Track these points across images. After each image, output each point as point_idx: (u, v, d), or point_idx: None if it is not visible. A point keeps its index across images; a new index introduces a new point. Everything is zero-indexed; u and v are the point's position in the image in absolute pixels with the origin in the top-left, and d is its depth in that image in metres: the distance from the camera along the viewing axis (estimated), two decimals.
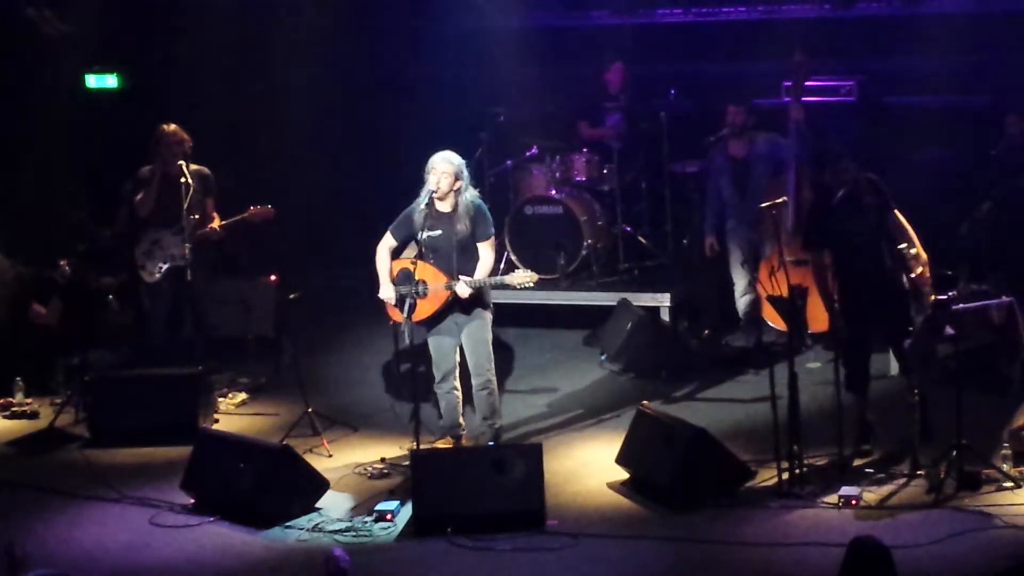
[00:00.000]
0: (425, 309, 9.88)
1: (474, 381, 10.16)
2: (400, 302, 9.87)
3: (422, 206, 9.84)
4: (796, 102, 11.77)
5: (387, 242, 10.10)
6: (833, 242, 9.74)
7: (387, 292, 10.02)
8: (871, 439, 9.82)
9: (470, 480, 9.01)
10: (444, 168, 9.86)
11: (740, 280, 12.18)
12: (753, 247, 11.99)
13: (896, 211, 9.69)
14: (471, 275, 9.87)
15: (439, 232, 9.91)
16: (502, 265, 12.57)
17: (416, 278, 9.79)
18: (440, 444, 10.18)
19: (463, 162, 10.00)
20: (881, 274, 9.63)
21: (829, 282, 9.74)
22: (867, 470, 9.53)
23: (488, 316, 10.10)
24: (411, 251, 10.10)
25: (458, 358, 10.19)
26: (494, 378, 10.22)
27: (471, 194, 10.01)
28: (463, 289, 9.80)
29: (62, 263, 11.73)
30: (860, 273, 9.66)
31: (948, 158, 13.72)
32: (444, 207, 9.93)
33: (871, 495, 9.09)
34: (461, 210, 9.91)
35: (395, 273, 10.04)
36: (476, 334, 10.05)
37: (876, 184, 9.69)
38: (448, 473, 9.10)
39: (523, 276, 9.94)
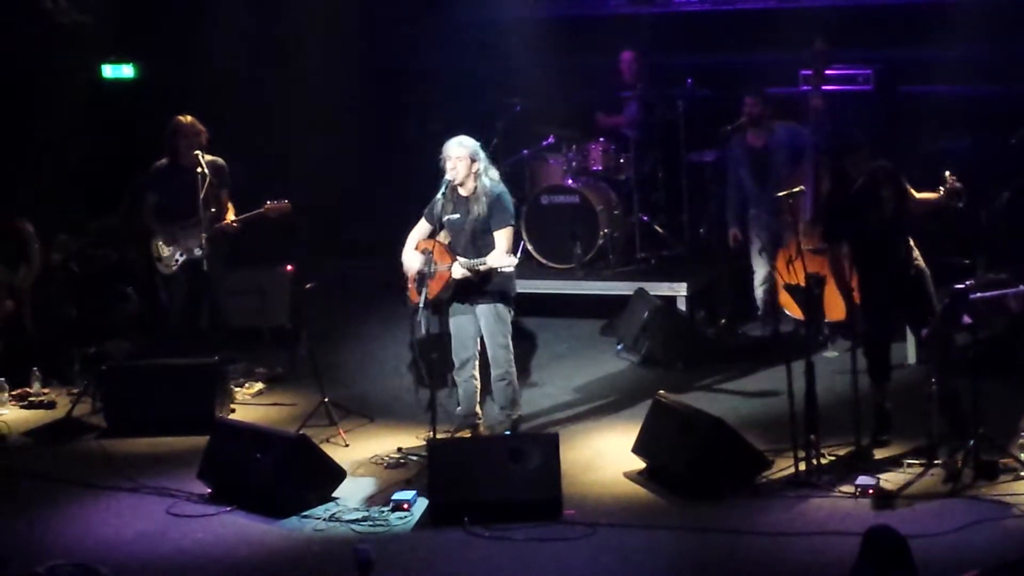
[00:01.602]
0: (432, 289, 9.87)
1: (493, 372, 10.15)
2: (419, 282, 9.88)
3: (441, 193, 9.87)
4: (816, 91, 11.75)
5: (420, 226, 10.12)
6: (851, 233, 9.71)
7: (408, 259, 10.03)
8: (888, 428, 9.79)
9: (487, 469, 9.01)
10: (458, 153, 9.87)
11: (760, 268, 12.16)
12: (774, 236, 11.96)
13: (911, 192, 9.64)
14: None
15: (458, 216, 9.94)
16: (519, 254, 12.57)
17: (432, 260, 9.82)
18: (459, 435, 10.16)
19: (476, 144, 9.99)
20: (897, 266, 9.58)
21: (847, 273, 9.72)
22: (884, 459, 9.51)
23: (509, 307, 10.09)
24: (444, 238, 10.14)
25: (478, 347, 10.17)
26: (513, 369, 10.20)
27: (492, 179, 10.00)
28: (456, 269, 9.79)
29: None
30: (878, 265, 9.63)
31: (966, 147, 13.67)
32: (464, 191, 9.95)
33: (888, 484, 9.07)
34: (480, 193, 9.91)
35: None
36: (496, 325, 10.03)
37: (892, 173, 9.65)
38: (465, 462, 9.11)
39: (501, 259, 9.79)
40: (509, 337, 10.14)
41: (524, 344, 12.35)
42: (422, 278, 9.85)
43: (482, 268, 9.77)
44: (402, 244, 10.24)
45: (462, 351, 10.16)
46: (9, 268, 12.08)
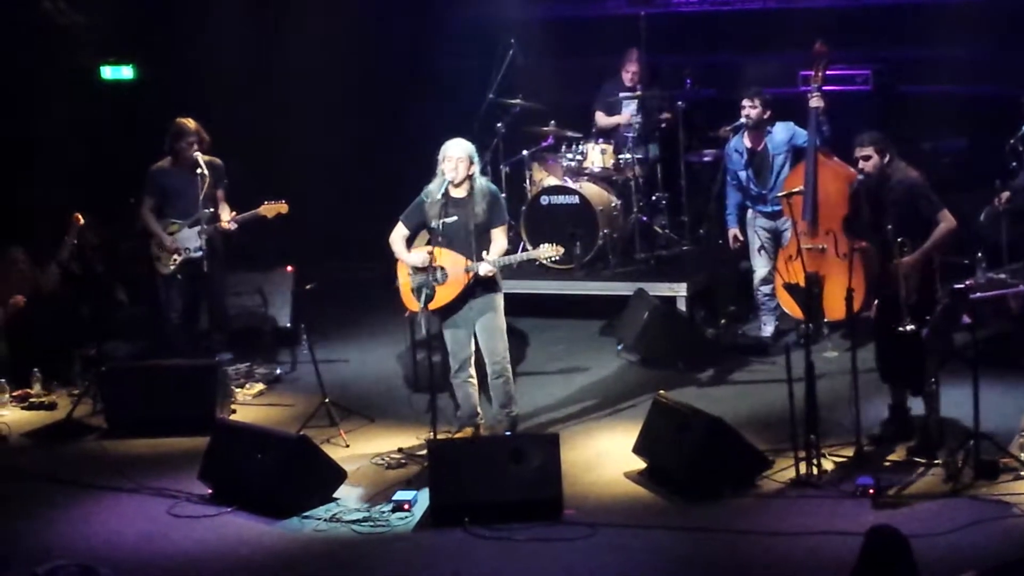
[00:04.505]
0: (446, 295, 9.89)
1: (489, 369, 10.16)
2: (417, 292, 9.88)
3: (438, 195, 9.87)
4: (816, 91, 11.73)
5: (399, 231, 10.13)
6: (864, 232, 9.69)
7: (416, 258, 10.00)
8: (904, 428, 9.77)
9: (487, 470, 9.01)
10: (458, 154, 9.90)
11: (760, 268, 12.16)
12: (774, 236, 11.97)
13: (941, 220, 9.59)
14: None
15: (455, 219, 9.93)
16: (518, 253, 12.58)
17: (434, 265, 9.81)
18: (459, 436, 10.17)
19: (473, 146, 10.04)
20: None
21: (863, 269, 9.68)
22: (884, 459, 9.51)
23: (500, 302, 10.12)
24: (421, 240, 10.13)
25: (473, 347, 10.19)
26: (509, 365, 10.23)
27: (484, 179, 10.08)
28: (485, 268, 9.81)
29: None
30: (886, 266, 9.59)
31: (965, 147, 13.68)
32: (459, 193, 9.96)
33: (889, 484, 9.07)
34: (477, 194, 9.94)
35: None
36: (490, 322, 10.06)
37: (913, 188, 9.60)
38: (465, 463, 9.10)
39: (549, 250, 9.94)
40: (504, 333, 10.16)
41: (524, 344, 12.37)
42: (420, 289, 9.84)
43: (517, 262, 10.10)
44: None
45: (459, 352, 10.17)
46: (35, 263, 12.07)
